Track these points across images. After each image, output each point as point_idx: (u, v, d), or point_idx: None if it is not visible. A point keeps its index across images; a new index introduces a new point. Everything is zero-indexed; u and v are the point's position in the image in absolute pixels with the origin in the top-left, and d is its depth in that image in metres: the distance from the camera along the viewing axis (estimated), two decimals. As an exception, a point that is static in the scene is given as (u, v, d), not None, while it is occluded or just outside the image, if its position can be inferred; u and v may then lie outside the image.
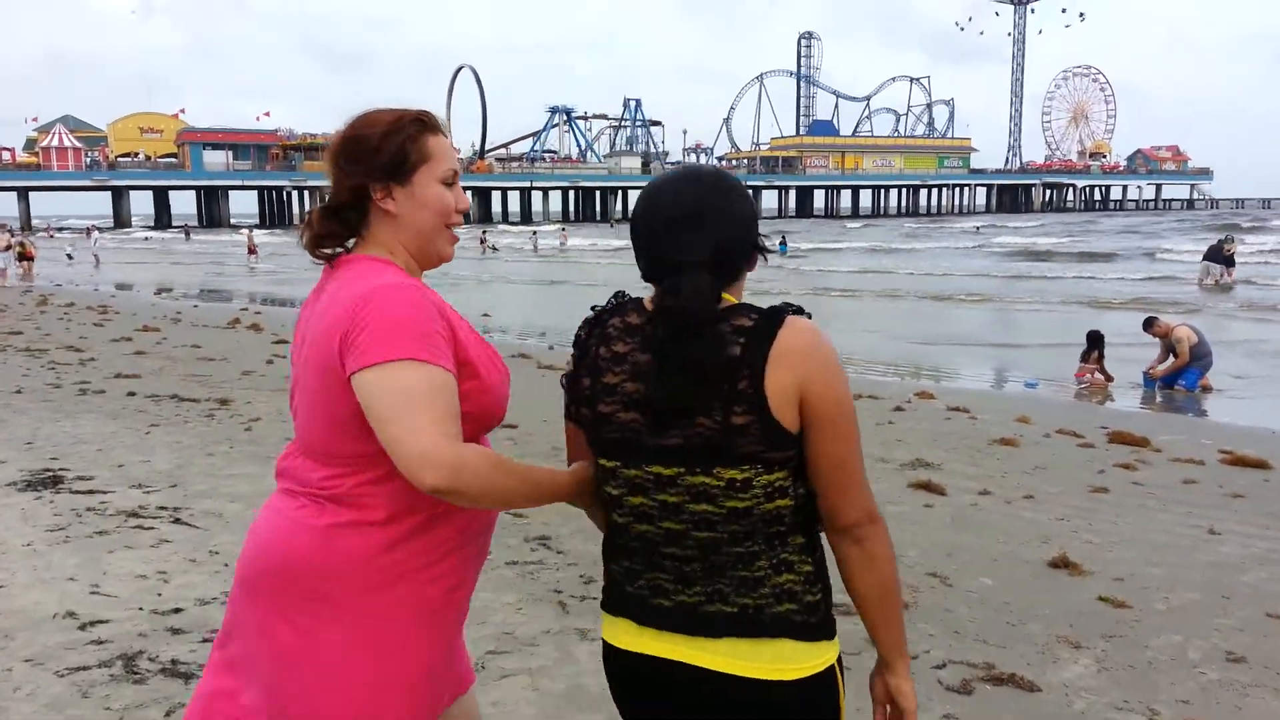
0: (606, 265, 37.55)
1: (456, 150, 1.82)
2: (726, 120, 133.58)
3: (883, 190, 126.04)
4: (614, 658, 1.64)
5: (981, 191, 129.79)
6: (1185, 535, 5.46)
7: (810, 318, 1.56)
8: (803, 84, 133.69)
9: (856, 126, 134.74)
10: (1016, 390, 11.22)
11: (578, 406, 1.64)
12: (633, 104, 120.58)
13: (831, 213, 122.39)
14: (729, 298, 1.58)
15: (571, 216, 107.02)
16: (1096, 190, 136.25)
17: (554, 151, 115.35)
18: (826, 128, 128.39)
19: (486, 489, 1.53)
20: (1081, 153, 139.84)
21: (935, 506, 5.99)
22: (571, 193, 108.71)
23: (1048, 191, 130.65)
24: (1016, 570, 4.86)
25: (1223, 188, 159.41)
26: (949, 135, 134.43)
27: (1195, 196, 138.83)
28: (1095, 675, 3.67)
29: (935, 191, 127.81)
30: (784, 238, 43.71)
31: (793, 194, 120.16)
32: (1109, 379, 11.18)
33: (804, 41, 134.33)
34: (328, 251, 1.73)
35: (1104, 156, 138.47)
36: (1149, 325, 11.39)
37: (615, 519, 1.63)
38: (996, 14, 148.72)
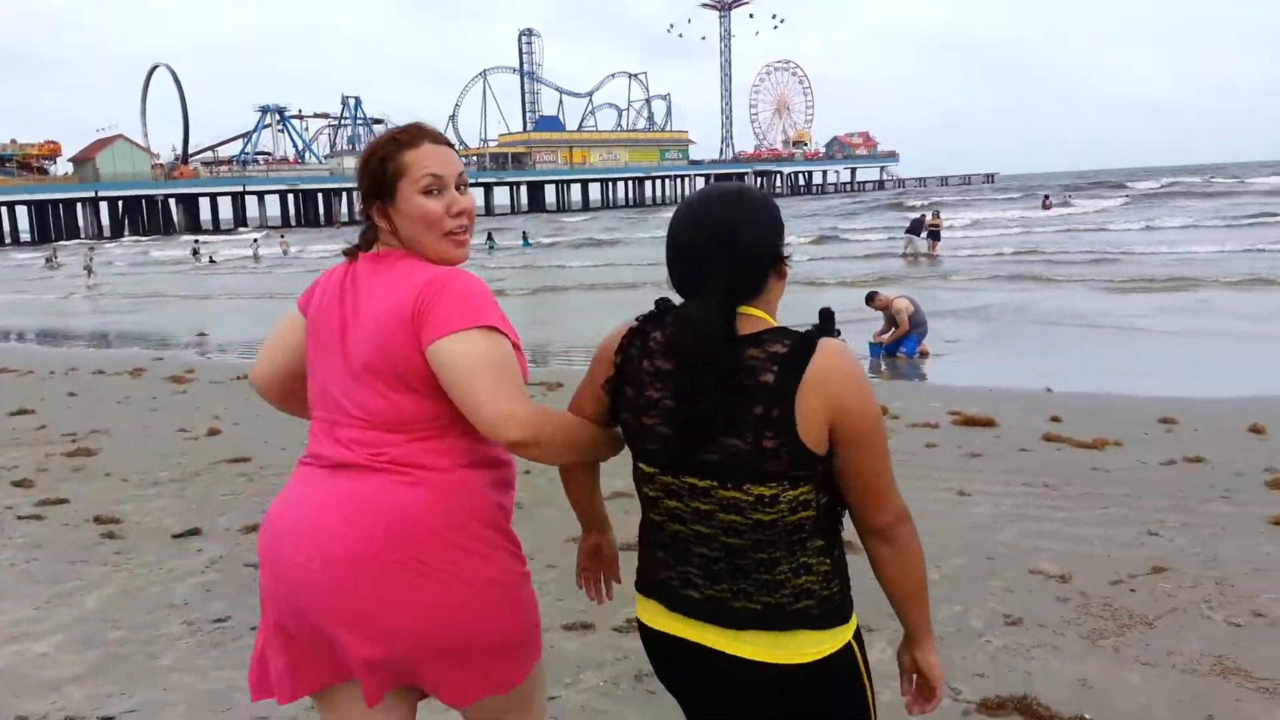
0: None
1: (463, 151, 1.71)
2: (452, 117, 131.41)
3: (610, 183, 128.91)
4: (648, 635, 1.77)
5: (700, 181, 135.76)
6: (939, 500, 5.68)
7: (839, 335, 1.63)
8: (526, 80, 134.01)
9: (581, 121, 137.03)
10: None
11: (620, 413, 1.73)
12: (352, 102, 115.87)
13: (563, 206, 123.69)
14: (761, 314, 1.64)
15: (292, 221, 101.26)
16: (800, 176, 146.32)
17: (268, 153, 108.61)
18: (553, 123, 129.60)
19: (562, 441, 1.74)
20: (786, 141, 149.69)
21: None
22: (290, 196, 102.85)
23: (759, 179, 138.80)
24: (797, 557, 4.82)
25: (907, 168, 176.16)
26: (668, 129, 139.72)
27: (885, 178, 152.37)
28: (891, 660, 3.63)
29: (659, 182, 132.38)
30: (525, 234, 46.58)
31: (524, 189, 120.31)
32: None
33: (525, 38, 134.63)
34: (351, 249, 1.90)
35: (805, 144, 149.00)
36: (870, 300, 12.10)
37: (651, 516, 1.73)
38: (689, 20, 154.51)
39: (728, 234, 1.61)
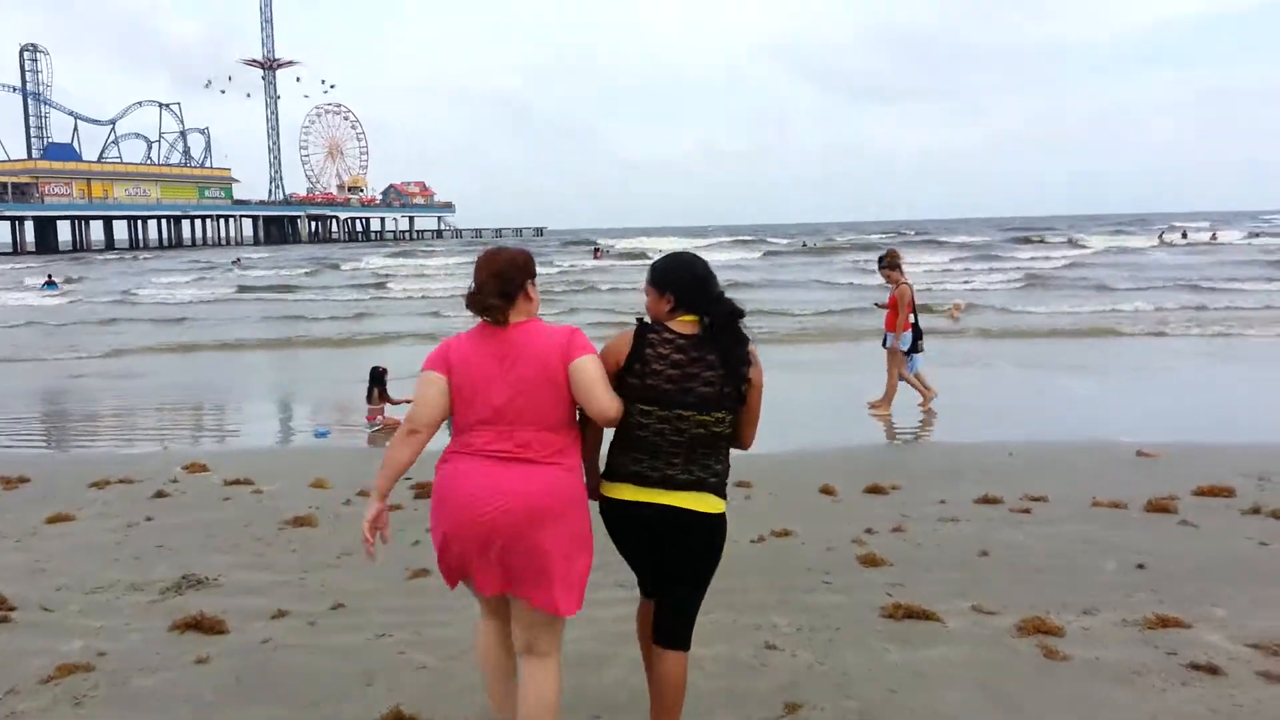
0: None
1: None
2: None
3: (140, 221, 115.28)
4: (616, 507, 3.01)
5: (248, 223, 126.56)
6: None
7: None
8: (31, 101, 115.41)
9: (103, 152, 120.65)
10: (307, 444, 9.79)
11: (626, 378, 2.96)
12: None
13: (82, 245, 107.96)
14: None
15: None
16: (358, 221, 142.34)
17: None
18: (67, 152, 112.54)
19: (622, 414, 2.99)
20: (341, 186, 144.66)
21: (212, 660, 4.19)
22: None
23: (314, 223, 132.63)
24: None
25: (464, 219, 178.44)
26: (207, 164, 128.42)
27: (443, 227, 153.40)
28: None
29: (199, 223, 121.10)
30: (50, 276, 42.23)
31: (30, 225, 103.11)
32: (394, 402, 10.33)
33: (28, 54, 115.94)
34: (501, 317, 2.94)
35: (361, 190, 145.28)
36: None
37: (637, 434, 2.96)
38: (230, 78, 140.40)
39: (710, 275, 3.06)
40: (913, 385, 10.38)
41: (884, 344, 10.44)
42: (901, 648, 4.15)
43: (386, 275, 43.85)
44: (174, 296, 34.75)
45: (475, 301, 2.92)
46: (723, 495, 2.99)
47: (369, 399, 10.25)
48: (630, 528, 2.98)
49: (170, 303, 32.21)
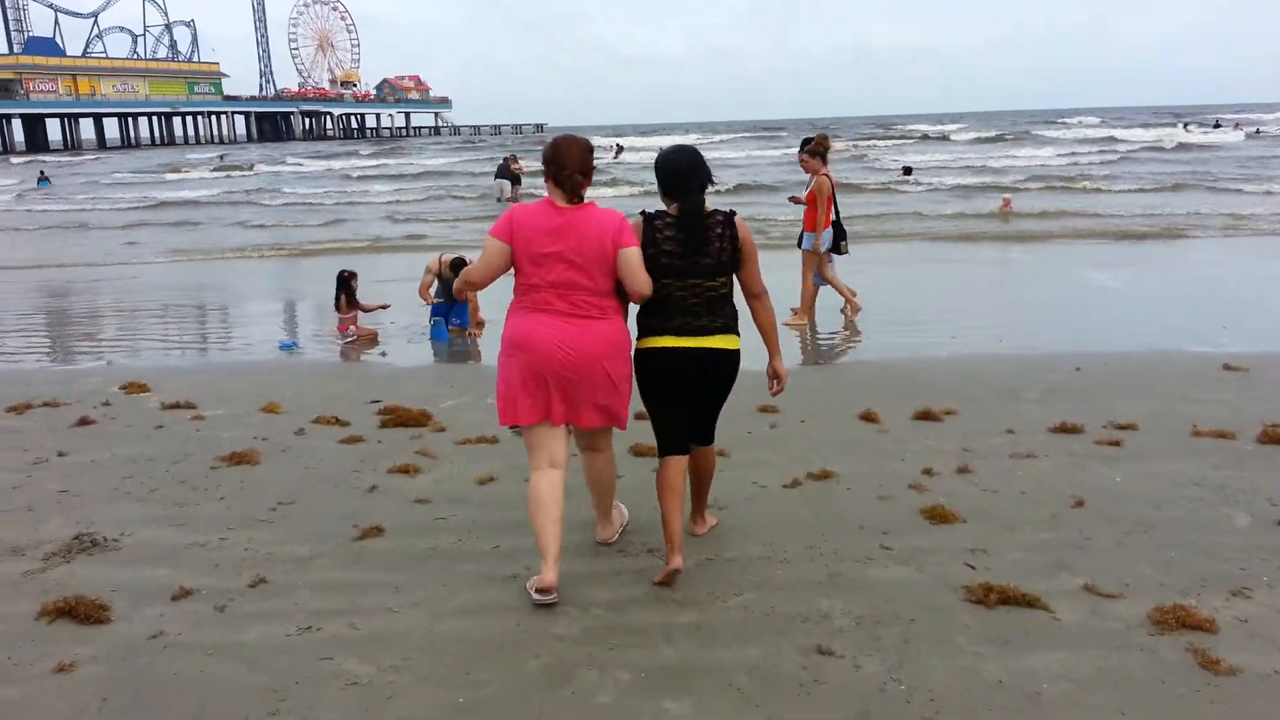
0: None
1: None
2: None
3: (131, 118, 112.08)
4: (658, 354, 3.63)
5: (240, 119, 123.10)
6: (514, 618, 3.48)
7: (735, 213, 3.69)
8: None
9: (87, 47, 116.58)
10: (269, 359, 8.62)
11: (646, 258, 3.56)
12: None
13: (72, 144, 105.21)
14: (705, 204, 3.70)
15: None
16: (353, 118, 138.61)
17: None
18: (49, 46, 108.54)
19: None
20: (333, 81, 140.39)
21: (79, 667, 3.12)
22: None
23: (307, 120, 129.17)
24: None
25: (461, 115, 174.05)
26: (195, 59, 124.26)
27: (440, 124, 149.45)
28: None
29: (191, 119, 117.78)
30: (43, 172, 43.21)
31: (19, 123, 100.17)
32: (366, 310, 9.27)
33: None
34: (581, 194, 3.55)
35: (355, 85, 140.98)
36: (457, 267, 9.64)
37: (664, 303, 3.60)
38: None
39: (698, 165, 3.64)
40: (836, 288, 9.12)
41: (799, 244, 9.05)
42: (1002, 652, 3.08)
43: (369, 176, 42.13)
44: (149, 198, 33.15)
45: (565, 180, 3.49)
46: (736, 333, 3.68)
47: (337, 307, 9.09)
48: (671, 369, 3.63)
49: (143, 206, 30.67)
